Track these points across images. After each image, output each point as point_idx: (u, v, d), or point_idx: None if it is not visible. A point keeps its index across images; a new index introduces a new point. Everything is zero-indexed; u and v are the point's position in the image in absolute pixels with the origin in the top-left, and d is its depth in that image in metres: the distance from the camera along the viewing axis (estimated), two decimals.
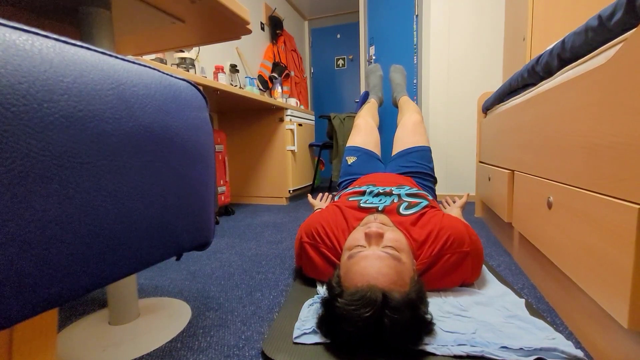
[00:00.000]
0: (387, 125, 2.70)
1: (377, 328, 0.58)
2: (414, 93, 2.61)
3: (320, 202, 1.41)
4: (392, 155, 1.48)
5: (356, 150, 1.49)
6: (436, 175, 1.43)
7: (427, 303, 0.66)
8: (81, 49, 0.31)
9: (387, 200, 1.00)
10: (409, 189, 1.09)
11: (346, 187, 1.31)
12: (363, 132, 1.56)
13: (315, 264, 0.94)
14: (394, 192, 1.05)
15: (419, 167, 1.36)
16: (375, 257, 0.68)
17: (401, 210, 0.95)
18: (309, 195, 1.49)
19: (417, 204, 0.97)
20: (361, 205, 1.00)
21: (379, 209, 0.97)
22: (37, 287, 0.27)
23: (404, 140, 1.46)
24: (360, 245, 0.74)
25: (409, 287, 0.65)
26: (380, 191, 1.07)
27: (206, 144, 0.46)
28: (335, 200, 1.17)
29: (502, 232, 1.40)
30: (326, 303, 0.66)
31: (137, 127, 0.34)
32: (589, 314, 0.66)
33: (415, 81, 2.60)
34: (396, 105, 1.92)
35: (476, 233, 0.89)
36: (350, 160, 1.46)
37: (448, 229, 0.86)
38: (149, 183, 0.36)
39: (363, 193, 1.08)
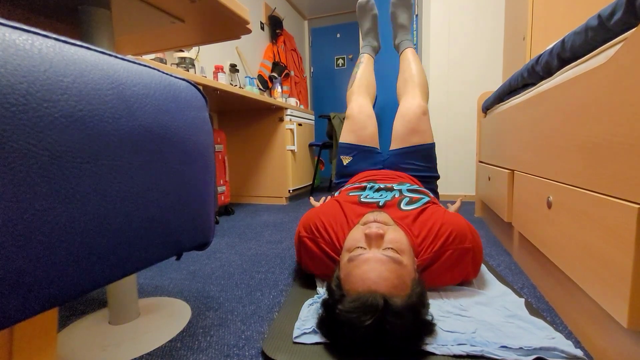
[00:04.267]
0: (385, 122, 2.69)
1: (378, 333, 0.58)
2: None
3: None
4: (391, 149, 1.36)
5: (350, 149, 1.39)
6: (438, 173, 1.39)
7: (428, 305, 0.66)
8: (81, 49, 0.31)
9: (388, 196, 1.00)
10: (410, 185, 1.09)
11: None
12: (357, 126, 1.38)
13: (313, 259, 0.93)
14: (394, 188, 1.04)
15: (417, 171, 1.30)
16: (376, 260, 0.67)
17: (402, 205, 0.95)
18: (311, 198, 1.47)
19: (418, 200, 0.97)
20: (361, 200, 0.99)
21: (380, 204, 0.96)
22: (37, 287, 0.27)
23: (403, 139, 1.33)
24: (361, 247, 0.74)
25: (410, 290, 0.64)
26: (381, 187, 1.06)
27: (206, 144, 0.46)
28: (335, 195, 1.16)
29: (502, 232, 1.40)
30: (327, 307, 0.66)
31: (136, 127, 0.34)
32: (589, 313, 0.66)
33: None
34: (398, 52, 1.60)
35: (477, 231, 0.89)
36: (346, 160, 1.38)
37: (450, 224, 0.85)
38: (148, 183, 0.36)
39: (364, 188, 1.08)
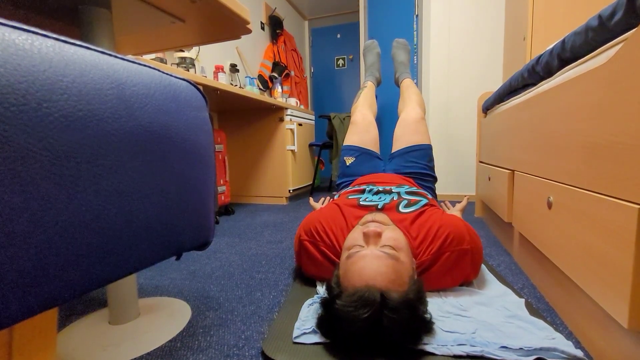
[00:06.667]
0: (386, 122, 2.69)
1: (375, 328, 0.58)
2: None
3: (322, 206, 1.40)
4: (392, 152, 1.45)
5: (354, 150, 1.46)
6: (436, 175, 1.42)
7: (426, 302, 0.66)
8: (81, 49, 0.31)
9: (387, 198, 1.00)
10: (409, 187, 1.09)
11: (345, 188, 1.30)
12: (361, 130, 1.50)
13: (314, 262, 0.94)
14: (393, 190, 1.05)
15: (418, 168, 1.34)
16: (373, 256, 0.68)
17: (400, 208, 0.95)
18: (311, 199, 1.48)
19: (416, 202, 0.97)
20: (360, 203, 1.00)
21: (379, 206, 0.96)
22: (37, 287, 0.26)
23: (403, 139, 1.43)
24: (359, 245, 0.74)
25: (408, 287, 0.65)
26: (380, 189, 1.07)
27: (206, 144, 0.46)
28: (334, 198, 1.17)
29: (502, 232, 1.40)
30: (325, 304, 0.66)
31: (136, 127, 0.34)
32: (589, 314, 0.66)
33: (415, 81, 2.60)
34: (398, 85, 1.82)
35: (475, 232, 0.89)
36: (349, 161, 1.44)
37: (447, 226, 0.86)
38: (148, 183, 0.36)
39: (363, 191, 1.09)
